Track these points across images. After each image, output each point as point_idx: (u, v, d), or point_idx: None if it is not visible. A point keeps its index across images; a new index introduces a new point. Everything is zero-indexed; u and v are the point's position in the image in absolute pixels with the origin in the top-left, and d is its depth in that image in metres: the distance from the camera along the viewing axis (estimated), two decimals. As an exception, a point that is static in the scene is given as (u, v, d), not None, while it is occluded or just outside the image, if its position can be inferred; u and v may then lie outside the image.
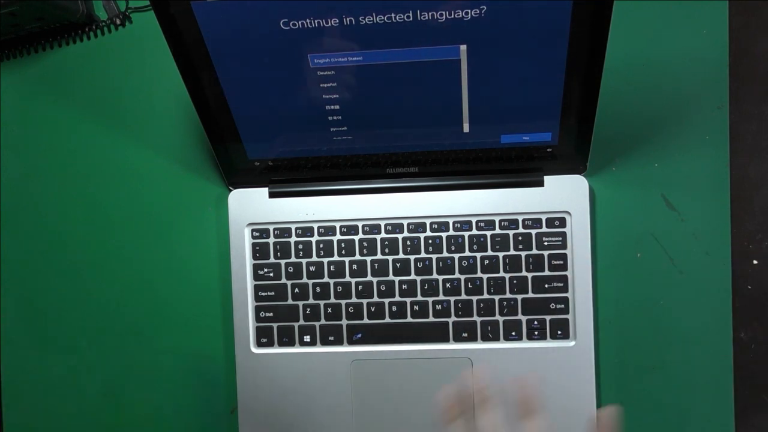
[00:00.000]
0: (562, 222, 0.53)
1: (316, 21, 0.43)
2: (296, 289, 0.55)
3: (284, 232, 0.55)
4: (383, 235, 0.54)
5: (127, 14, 0.59)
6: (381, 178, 0.55)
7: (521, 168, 0.53)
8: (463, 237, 0.54)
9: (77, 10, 0.58)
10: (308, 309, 0.55)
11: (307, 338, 0.55)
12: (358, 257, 0.55)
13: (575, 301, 0.53)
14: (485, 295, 0.54)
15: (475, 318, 0.54)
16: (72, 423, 0.59)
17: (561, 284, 0.53)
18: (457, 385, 0.43)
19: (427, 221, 0.54)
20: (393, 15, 0.42)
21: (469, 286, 0.54)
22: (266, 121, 0.50)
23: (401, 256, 0.54)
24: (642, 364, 0.54)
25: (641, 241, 0.55)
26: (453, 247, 0.54)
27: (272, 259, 0.55)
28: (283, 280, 0.55)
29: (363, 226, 0.55)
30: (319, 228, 0.55)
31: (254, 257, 0.55)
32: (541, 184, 0.53)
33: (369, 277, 0.54)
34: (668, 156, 0.54)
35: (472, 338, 0.54)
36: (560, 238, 0.53)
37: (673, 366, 0.54)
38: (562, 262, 0.53)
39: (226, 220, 0.57)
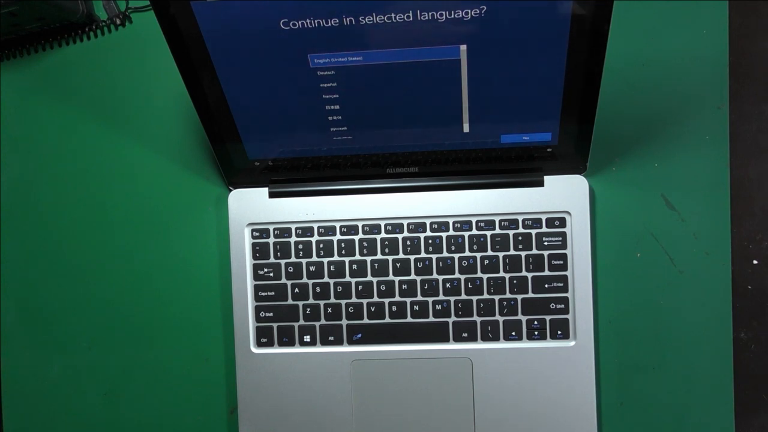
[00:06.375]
0: (562, 222, 0.53)
1: (316, 21, 0.43)
2: (296, 289, 0.55)
3: (284, 232, 0.55)
4: (383, 235, 0.54)
5: (127, 14, 0.59)
6: (381, 178, 0.55)
7: (521, 168, 0.53)
8: (463, 237, 0.54)
9: (77, 10, 0.58)
10: (308, 309, 0.55)
11: (307, 338, 0.55)
12: (358, 257, 0.55)
13: (575, 301, 0.53)
14: (485, 295, 0.54)
15: (475, 318, 0.54)
16: (72, 423, 0.59)
17: (561, 284, 0.53)
18: None
19: (427, 221, 0.54)
20: (393, 15, 0.42)
21: (469, 286, 0.54)
22: (266, 121, 0.50)
23: (401, 256, 0.54)
24: (642, 364, 0.54)
25: (641, 241, 0.55)
26: (453, 247, 0.54)
27: (272, 259, 0.55)
28: (283, 280, 0.55)
29: (363, 226, 0.55)
30: (319, 228, 0.55)
31: (254, 257, 0.55)
32: (541, 184, 0.53)
33: (369, 277, 0.54)
34: (668, 156, 0.54)
35: (472, 338, 0.54)
36: (560, 238, 0.53)
37: (673, 366, 0.54)
38: (562, 262, 0.53)
39: (226, 220, 0.57)
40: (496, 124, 0.50)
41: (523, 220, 0.53)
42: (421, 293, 0.54)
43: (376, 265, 0.54)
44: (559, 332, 0.53)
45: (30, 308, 0.60)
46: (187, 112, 0.58)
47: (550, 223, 0.53)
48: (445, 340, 0.54)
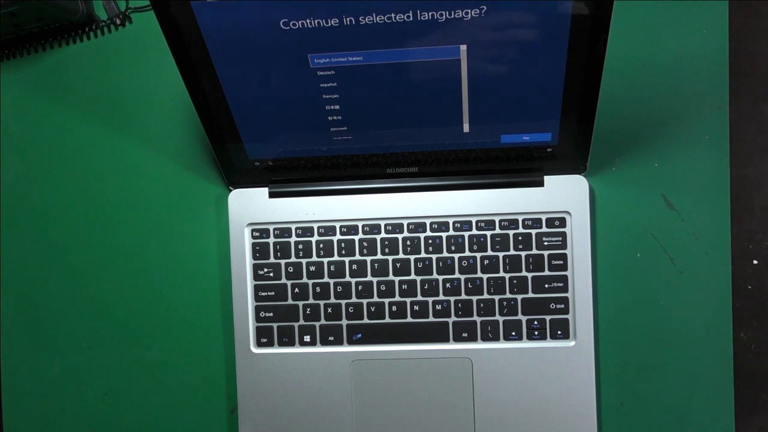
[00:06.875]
0: (562, 222, 0.53)
1: (316, 21, 0.43)
2: (296, 289, 0.55)
3: (284, 232, 0.55)
4: (383, 235, 0.54)
5: (127, 14, 0.59)
6: (381, 178, 0.55)
7: (521, 168, 0.53)
8: (463, 237, 0.54)
9: (77, 10, 0.58)
10: (308, 309, 0.55)
11: (307, 338, 0.55)
12: (358, 257, 0.55)
13: (575, 301, 0.53)
14: (485, 295, 0.54)
15: (475, 318, 0.54)
16: (72, 423, 0.59)
17: (561, 284, 0.53)
18: None
19: (427, 221, 0.54)
20: (393, 15, 0.42)
21: (469, 286, 0.54)
22: (266, 121, 0.50)
23: (401, 256, 0.54)
24: (642, 363, 0.54)
25: (641, 241, 0.55)
26: (453, 247, 0.54)
27: (272, 259, 0.55)
28: (283, 280, 0.55)
29: (363, 226, 0.55)
30: (319, 228, 0.55)
31: (254, 257, 0.55)
32: (541, 184, 0.53)
33: (369, 277, 0.54)
34: (668, 156, 0.54)
35: (472, 338, 0.54)
36: (560, 238, 0.53)
37: (673, 366, 0.54)
38: (562, 262, 0.53)
39: (226, 220, 0.57)
40: (496, 124, 0.50)
41: (523, 220, 0.53)
42: (421, 293, 0.54)
43: (376, 265, 0.54)
44: (559, 332, 0.53)
45: (30, 308, 0.60)
46: (187, 112, 0.58)
47: (550, 223, 0.53)
48: (445, 340, 0.54)
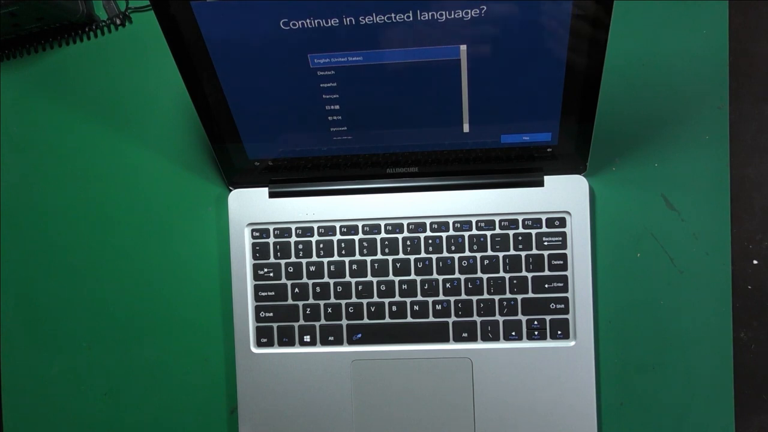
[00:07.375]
0: (562, 222, 0.53)
1: (316, 21, 0.43)
2: (296, 289, 0.55)
3: (284, 232, 0.55)
4: (383, 235, 0.54)
5: (127, 14, 0.59)
6: (381, 178, 0.55)
7: (521, 168, 0.53)
8: (463, 237, 0.54)
9: (77, 10, 0.58)
10: (308, 309, 0.55)
11: (307, 338, 0.55)
12: (358, 257, 0.55)
13: (575, 301, 0.53)
14: (485, 295, 0.54)
15: (475, 318, 0.54)
16: (72, 423, 0.59)
17: (561, 284, 0.53)
18: None
19: (427, 221, 0.54)
20: (393, 15, 0.43)
21: (469, 286, 0.54)
22: (266, 121, 0.50)
23: (401, 256, 0.54)
24: (642, 363, 0.54)
25: (641, 241, 0.55)
26: (453, 247, 0.54)
27: (272, 259, 0.55)
28: (283, 280, 0.55)
29: (363, 226, 0.55)
30: (319, 228, 0.55)
31: (254, 257, 0.55)
32: (541, 184, 0.53)
33: (369, 277, 0.54)
34: (668, 156, 0.54)
35: (472, 338, 0.54)
36: (560, 238, 0.53)
37: (673, 366, 0.54)
38: (562, 262, 0.53)
39: (226, 220, 0.57)
40: (496, 124, 0.50)
41: (523, 220, 0.53)
42: (421, 293, 0.54)
43: (376, 265, 0.54)
44: (559, 332, 0.53)
45: (30, 308, 0.60)
46: (187, 112, 0.58)
47: (550, 223, 0.53)
48: (445, 340, 0.54)
